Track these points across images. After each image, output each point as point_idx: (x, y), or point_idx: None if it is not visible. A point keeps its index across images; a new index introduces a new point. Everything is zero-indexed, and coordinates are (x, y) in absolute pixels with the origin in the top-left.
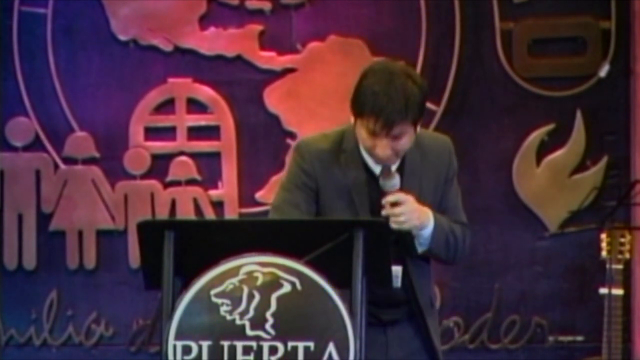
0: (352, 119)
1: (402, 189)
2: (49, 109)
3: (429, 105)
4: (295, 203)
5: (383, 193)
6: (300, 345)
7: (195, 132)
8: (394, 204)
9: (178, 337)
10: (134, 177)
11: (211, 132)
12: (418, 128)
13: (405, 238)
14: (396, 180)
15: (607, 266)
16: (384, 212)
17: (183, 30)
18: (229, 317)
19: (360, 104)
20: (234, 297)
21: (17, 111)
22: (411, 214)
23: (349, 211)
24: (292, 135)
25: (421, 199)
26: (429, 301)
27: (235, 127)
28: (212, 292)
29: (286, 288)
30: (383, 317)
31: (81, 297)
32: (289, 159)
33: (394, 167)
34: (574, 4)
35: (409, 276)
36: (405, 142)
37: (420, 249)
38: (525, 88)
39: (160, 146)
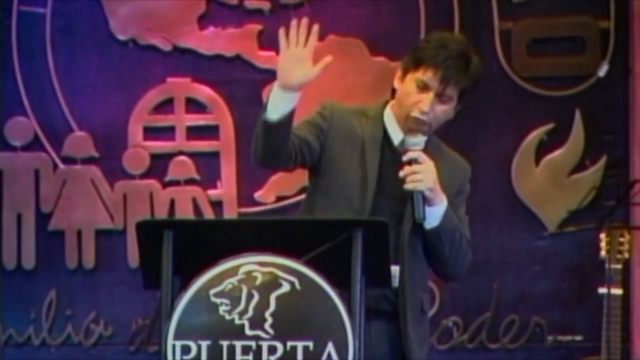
0: (396, 81)
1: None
2: (48, 109)
3: None
4: (298, 127)
5: (404, 151)
6: (299, 345)
7: (194, 132)
8: (413, 161)
9: (177, 336)
10: (133, 177)
11: (210, 131)
12: (458, 107)
13: (416, 203)
14: (421, 140)
15: (606, 266)
16: (402, 173)
17: (182, 30)
18: (228, 317)
19: (421, 55)
20: (233, 297)
21: (16, 111)
22: (429, 174)
23: (359, 159)
24: None
25: None
26: (420, 305)
27: (234, 126)
28: (211, 291)
29: (285, 288)
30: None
31: (80, 297)
32: None
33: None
34: (573, 4)
35: (403, 256)
36: (446, 109)
37: (428, 225)
38: (524, 88)
39: (159, 146)
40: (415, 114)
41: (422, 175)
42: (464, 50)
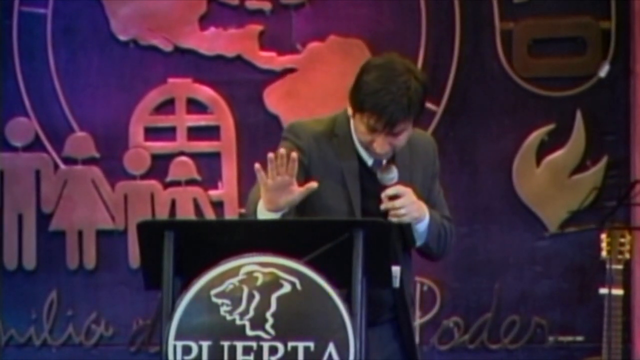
0: (349, 110)
1: (397, 182)
2: (49, 109)
3: (429, 105)
4: None
5: (381, 187)
6: (300, 345)
7: (195, 132)
8: (393, 197)
9: (178, 337)
10: (133, 177)
11: (211, 132)
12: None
13: (405, 232)
14: (394, 174)
15: (607, 266)
16: (383, 206)
17: (183, 30)
18: (229, 317)
19: (361, 100)
20: (234, 297)
21: (17, 111)
22: (411, 207)
23: (341, 191)
24: None
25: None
26: (410, 300)
27: (235, 127)
28: (212, 292)
29: (286, 288)
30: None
31: (81, 297)
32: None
33: (384, 161)
34: (574, 4)
35: (400, 286)
36: (404, 137)
37: (418, 243)
38: (525, 88)
39: (160, 146)
40: (375, 153)
41: (404, 209)
42: (403, 86)
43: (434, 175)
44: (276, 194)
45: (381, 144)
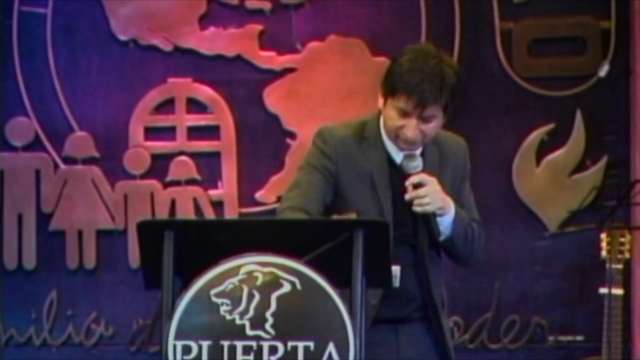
0: (379, 102)
1: (421, 171)
2: (49, 109)
3: None
4: (314, 182)
5: (405, 176)
6: (300, 345)
7: (195, 132)
8: (417, 185)
9: (178, 337)
10: (133, 177)
11: (211, 132)
12: (445, 116)
13: (429, 222)
14: (418, 162)
15: (607, 266)
16: (407, 196)
17: (183, 30)
18: (228, 317)
19: (394, 82)
20: (234, 297)
21: (17, 111)
22: (435, 195)
23: (371, 195)
24: (292, 135)
25: None
26: (441, 300)
27: (235, 127)
28: (212, 291)
29: (286, 288)
30: (391, 315)
31: (81, 297)
32: (309, 144)
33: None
34: (574, 4)
35: (425, 271)
36: (434, 126)
37: (442, 237)
38: (525, 88)
39: (160, 146)
40: (403, 146)
41: (428, 197)
42: (436, 68)
43: (463, 177)
44: None
45: (412, 129)
